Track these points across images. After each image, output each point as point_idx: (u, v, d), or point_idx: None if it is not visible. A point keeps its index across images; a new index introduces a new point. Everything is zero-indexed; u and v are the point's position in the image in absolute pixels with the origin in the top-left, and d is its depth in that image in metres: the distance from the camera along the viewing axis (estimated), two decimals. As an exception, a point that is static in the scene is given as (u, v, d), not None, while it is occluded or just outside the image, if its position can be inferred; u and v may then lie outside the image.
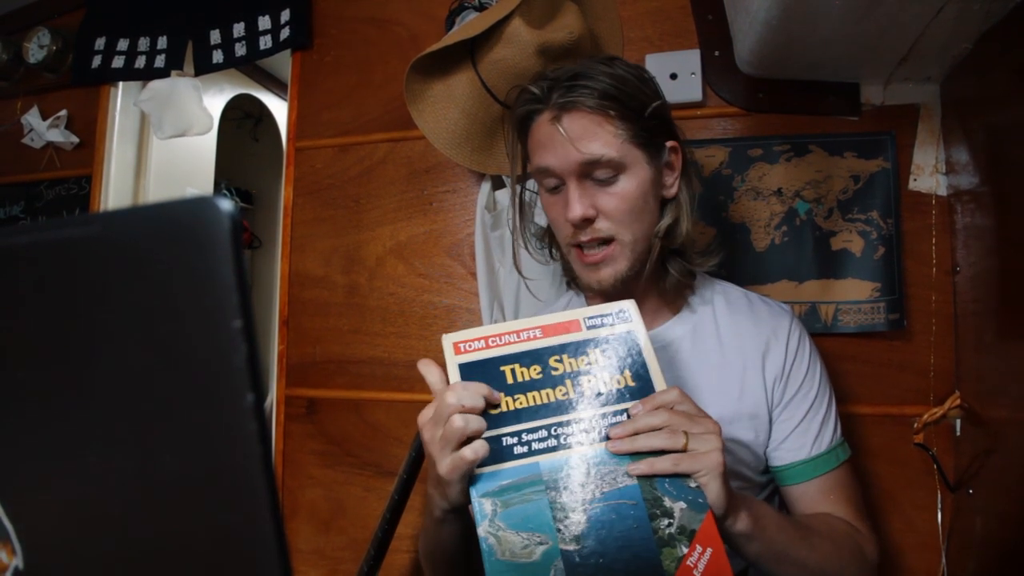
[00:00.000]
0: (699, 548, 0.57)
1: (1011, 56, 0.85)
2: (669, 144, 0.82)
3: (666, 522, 0.58)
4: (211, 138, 2.10)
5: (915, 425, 1.05)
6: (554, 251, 0.94)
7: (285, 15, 1.45)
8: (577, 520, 0.59)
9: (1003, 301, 0.90)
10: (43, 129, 1.67)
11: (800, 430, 0.82)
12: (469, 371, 0.66)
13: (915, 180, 1.09)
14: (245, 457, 0.23)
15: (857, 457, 1.07)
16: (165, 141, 1.68)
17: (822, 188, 1.11)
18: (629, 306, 0.69)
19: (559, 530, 0.59)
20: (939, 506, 1.04)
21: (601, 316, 0.68)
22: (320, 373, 1.39)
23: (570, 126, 0.77)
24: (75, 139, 1.69)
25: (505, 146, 1.13)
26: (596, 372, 0.66)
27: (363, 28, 1.43)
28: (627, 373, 0.66)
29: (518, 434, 0.64)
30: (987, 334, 0.95)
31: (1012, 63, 0.85)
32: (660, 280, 0.86)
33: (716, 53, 1.17)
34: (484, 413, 0.63)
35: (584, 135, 0.76)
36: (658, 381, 0.65)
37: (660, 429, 0.61)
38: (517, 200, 0.92)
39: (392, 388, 1.33)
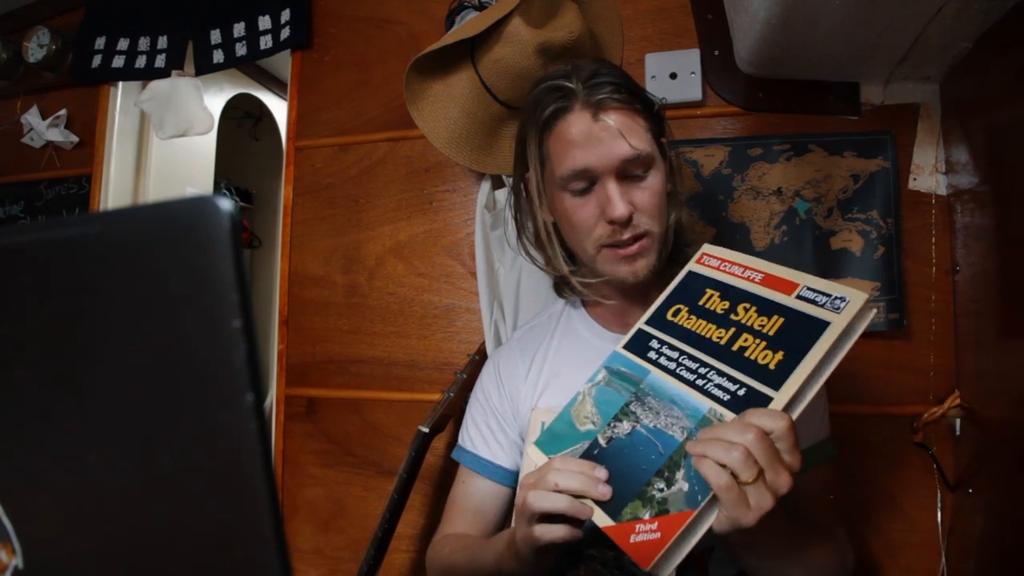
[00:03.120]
0: (653, 527, 0.56)
1: (1011, 56, 0.85)
2: (665, 141, 0.84)
3: (661, 487, 0.58)
4: (211, 138, 2.09)
5: (915, 425, 1.05)
6: (559, 259, 0.87)
7: (285, 15, 1.45)
8: (623, 430, 0.64)
9: (1003, 301, 0.90)
10: (43, 128, 1.67)
11: None
12: (691, 279, 0.73)
13: (915, 179, 1.09)
14: (245, 457, 0.23)
15: (857, 457, 1.07)
16: (165, 141, 1.68)
17: (822, 187, 1.11)
18: (853, 298, 0.58)
19: (609, 425, 0.65)
20: (939, 506, 1.04)
21: (821, 293, 0.60)
22: (320, 373, 1.39)
23: (616, 122, 0.76)
24: (75, 138, 1.68)
25: (506, 146, 1.12)
26: (759, 339, 0.62)
27: (363, 27, 1.43)
28: (779, 356, 0.59)
29: (664, 344, 0.69)
30: (987, 334, 0.95)
31: (1012, 63, 0.85)
32: (664, 273, 0.85)
33: (716, 52, 1.17)
34: (664, 319, 0.71)
35: (626, 131, 0.76)
36: (785, 392, 0.56)
37: (737, 444, 0.53)
38: (537, 203, 0.86)
39: (392, 388, 1.33)
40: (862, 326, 0.58)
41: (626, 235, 0.77)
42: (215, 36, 1.53)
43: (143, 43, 1.60)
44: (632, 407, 0.65)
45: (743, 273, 0.68)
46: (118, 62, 1.62)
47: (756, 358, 0.60)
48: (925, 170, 1.09)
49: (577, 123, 0.77)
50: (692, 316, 0.69)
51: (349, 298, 1.38)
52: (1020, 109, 0.84)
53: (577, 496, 0.60)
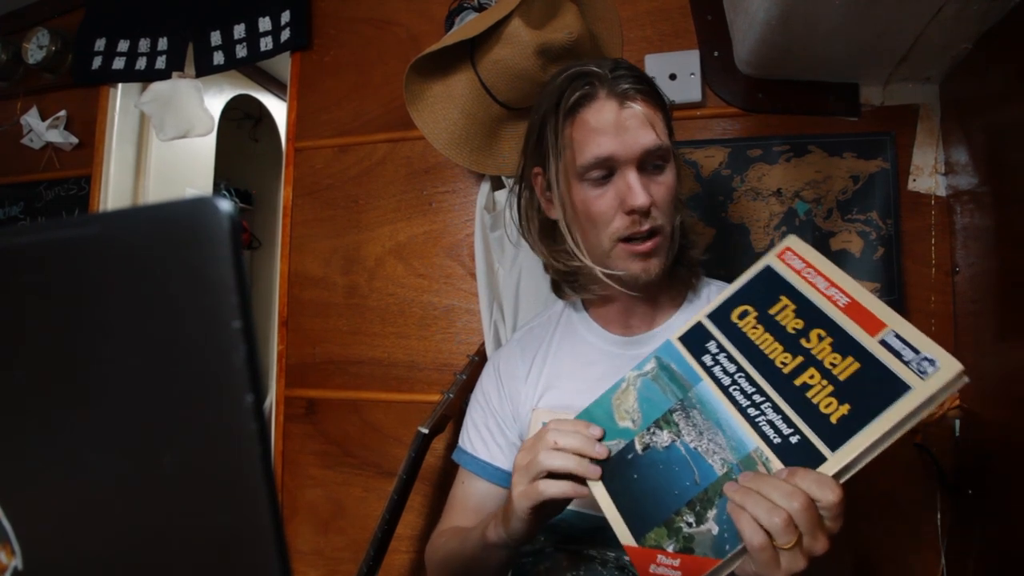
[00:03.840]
0: (675, 563, 0.54)
1: (1011, 56, 0.85)
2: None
3: (690, 520, 0.56)
4: (211, 139, 2.10)
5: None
6: (563, 254, 0.85)
7: (285, 16, 1.46)
8: (661, 441, 0.61)
9: (1002, 301, 0.90)
10: (42, 130, 1.67)
11: None
12: (767, 277, 0.64)
13: (914, 180, 1.09)
14: (245, 457, 0.23)
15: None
16: (165, 142, 1.68)
17: (821, 188, 1.11)
18: (944, 365, 0.51)
19: (649, 430, 0.62)
20: (939, 506, 1.04)
21: (909, 347, 0.53)
22: (319, 373, 1.39)
23: (643, 111, 0.76)
24: (74, 140, 1.69)
25: (506, 147, 1.13)
26: (827, 380, 0.55)
27: (362, 28, 1.43)
28: (844, 410, 0.53)
29: (723, 352, 0.62)
30: (986, 335, 0.95)
31: (1012, 63, 0.85)
32: (668, 274, 0.84)
33: (716, 53, 1.17)
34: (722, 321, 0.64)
35: (651, 121, 0.76)
36: (841, 457, 0.52)
37: (780, 508, 0.50)
38: (558, 191, 0.82)
39: (391, 388, 1.33)
40: (944, 396, 0.51)
41: (645, 226, 0.77)
42: (215, 38, 1.53)
43: (143, 44, 1.61)
44: (676, 417, 0.61)
45: (827, 289, 0.60)
46: (118, 63, 1.62)
47: (819, 403, 0.54)
48: (925, 171, 1.09)
49: (604, 110, 0.76)
50: (759, 326, 0.62)
51: (349, 299, 1.38)
52: (1020, 109, 0.84)
53: (567, 475, 0.61)
